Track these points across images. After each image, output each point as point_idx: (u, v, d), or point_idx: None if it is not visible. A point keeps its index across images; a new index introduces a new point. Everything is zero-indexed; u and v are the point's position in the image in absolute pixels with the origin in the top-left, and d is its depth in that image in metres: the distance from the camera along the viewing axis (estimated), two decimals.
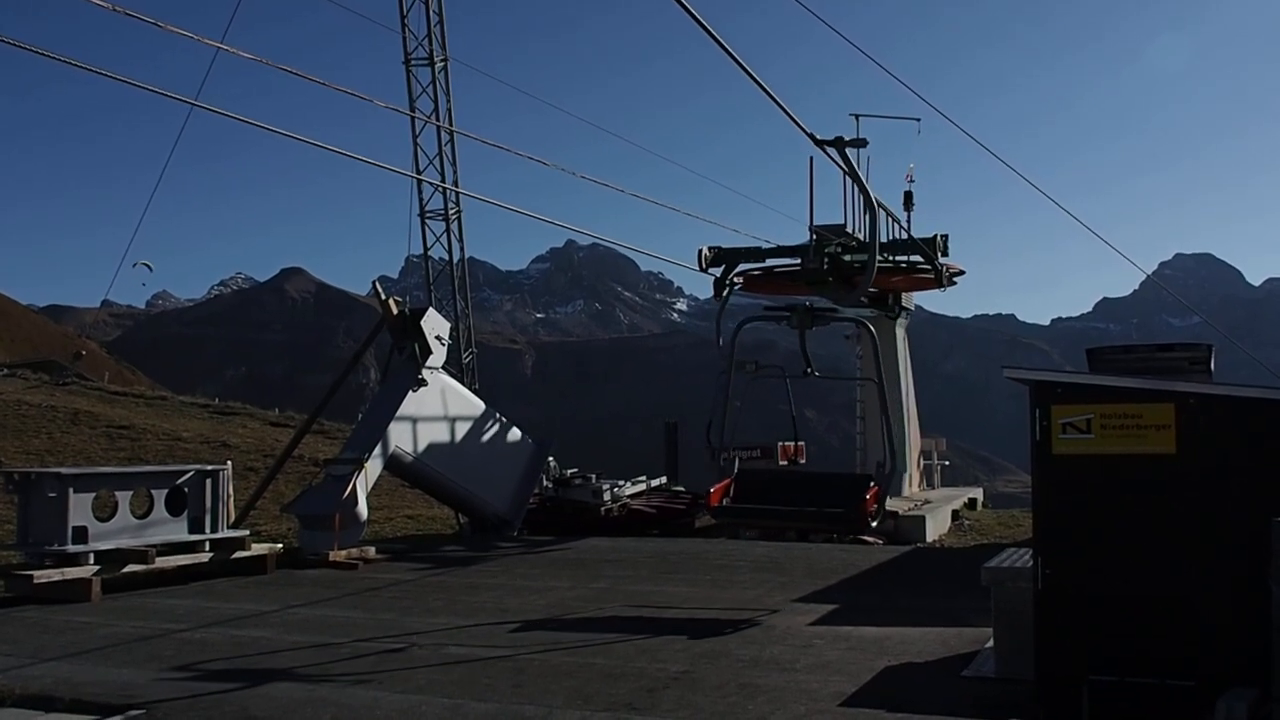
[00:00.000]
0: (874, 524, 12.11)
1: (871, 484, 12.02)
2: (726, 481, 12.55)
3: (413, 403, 18.77)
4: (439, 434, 19.39)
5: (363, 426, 19.30)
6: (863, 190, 13.36)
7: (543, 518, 21.22)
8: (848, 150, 12.90)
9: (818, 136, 12.13)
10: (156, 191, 26.13)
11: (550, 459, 21.82)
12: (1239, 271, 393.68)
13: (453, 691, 8.57)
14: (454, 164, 26.27)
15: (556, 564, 16.67)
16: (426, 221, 26.63)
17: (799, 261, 22.18)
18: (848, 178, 22.16)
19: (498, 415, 20.89)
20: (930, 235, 23.30)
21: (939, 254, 23.35)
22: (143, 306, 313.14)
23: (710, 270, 22.10)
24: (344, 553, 16.40)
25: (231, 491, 16.19)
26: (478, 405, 20.64)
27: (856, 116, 24.80)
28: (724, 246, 22.47)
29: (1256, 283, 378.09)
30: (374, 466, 17.94)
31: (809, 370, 12.95)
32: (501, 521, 20.28)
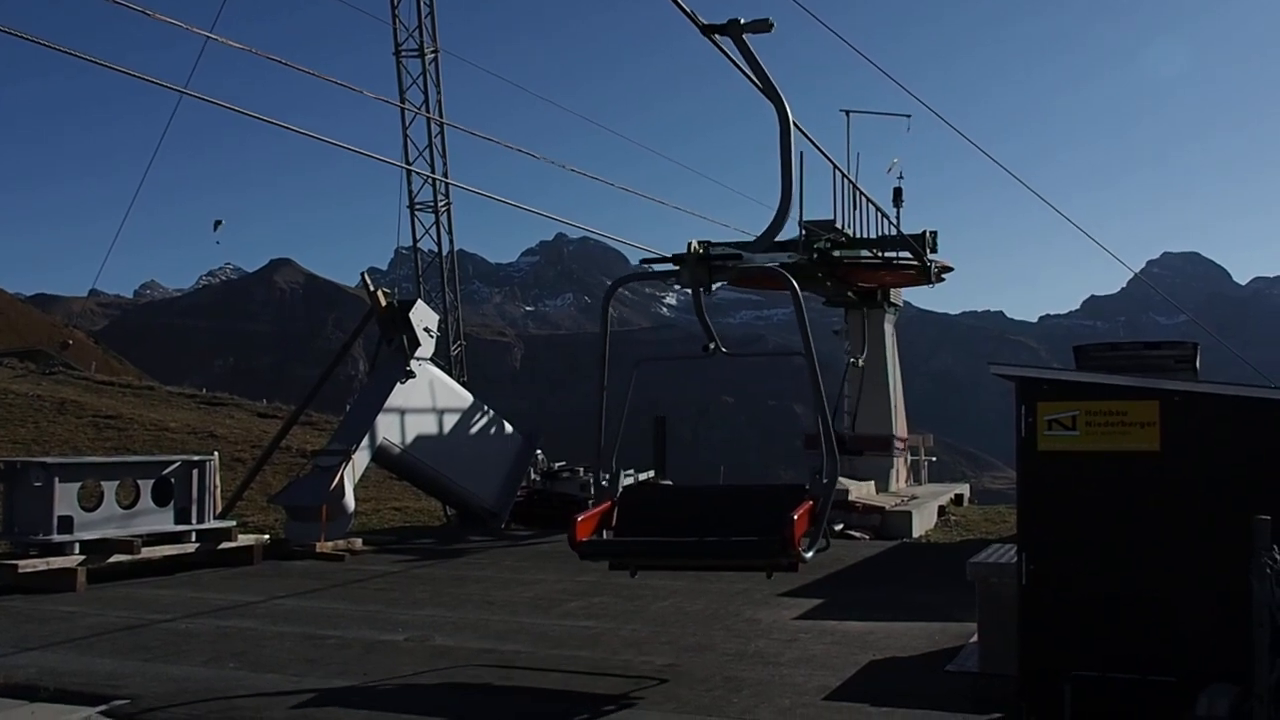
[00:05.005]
0: (808, 555, 8.28)
1: (804, 499, 8.43)
2: (605, 506, 8.93)
3: (400, 395, 18.76)
4: (427, 426, 19.37)
5: (350, 418, 19.28)
6: (770, 93, 9.53)
7: (530, 510, 21.22)
8: (747, 37, 9.44)
9: (702, 20, 9.32)
10: (145, 181, 26.07)
11: (538, 452, 21.82)
12: (1226, 270, 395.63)
13: (439, 683, 8.58)
14: (444, 156, 26.30)
15: (543, 556, 16.68)
16: (416, 213, 26.64)
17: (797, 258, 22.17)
18: (838, 173, 22.20)
19: (486, 408, 20.89)
20: (919, 231, 23.37)
21: (927, 250, 23.41)
22: (130, 296, 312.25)
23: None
24: (331, 544, 16.39)
25: (218, 482, 16.15)
26: (466, 398, 20.64)
27: (847, 112, 24.83)
28: (713, 241, 22.44)
29: (1243, 281, 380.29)
30: (361, 458, 17.93)
31: (712, 346, 9.38)
32: (489, 514, 20.29)
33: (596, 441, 9.11)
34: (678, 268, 9.10)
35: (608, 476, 9.10)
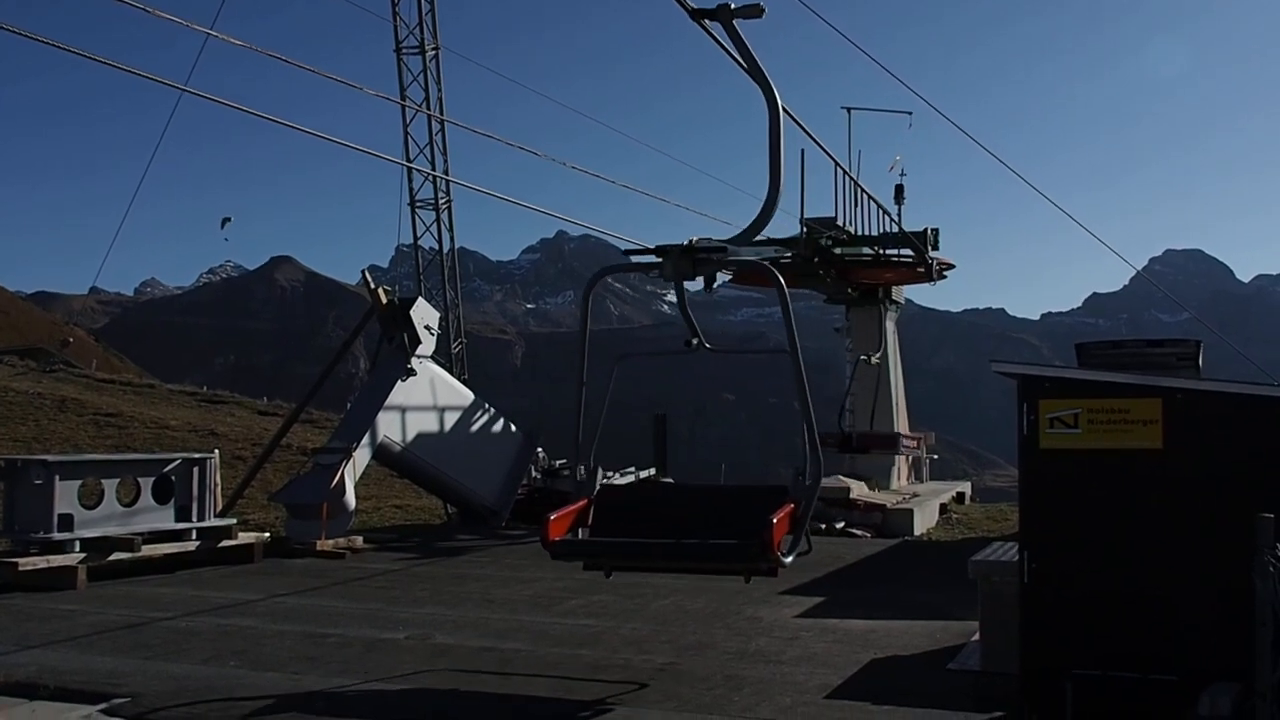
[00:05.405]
0: (788, 559, 7.89)
1: (785, 501, 8.07)
2: (581, 504, 8.64)
3: (401, 392, 18.74)
4: (427, 424, 19.36)
5: (351, 416, 19.28)
6: (759, 78, 9.24)
7: (531, 508, 21.19)
8: (737, 23, 9.08)
9: (691, 4, 9.13)
10: (145, 178, 26.05)
11: (539, 450, 21.81)
12: (1229, 267, 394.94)
13: (439, 682, 8.57)
14: (444, 153, 26.32)
15: (544, 555, 16.56)
16: (417, 211, 26.63)
17: (790, 254, 22.18)
18: (840, 170, 22.20)
19: (486, 405, 20.87)
20: (920, 229, 23.37)
21: (929, 247, 23.41)
22: (131, 294, 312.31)
23: None
24: (331, 542, 16.37)
25: (219, 480, 16.14)
26: (466, 395, 20.62)
27: (848, 110, 24.85)
28: (714, 238, 22.41)
29: (1246, 279, 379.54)
30: (362, 456, 17.92)
31: (695, 341, 9.06)
32: (489, 512, 20.28)
33: (574, 437, 8.84)
34: (660, 259, 8.76)
35: (584, 472, 8.78)
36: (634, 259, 9.27)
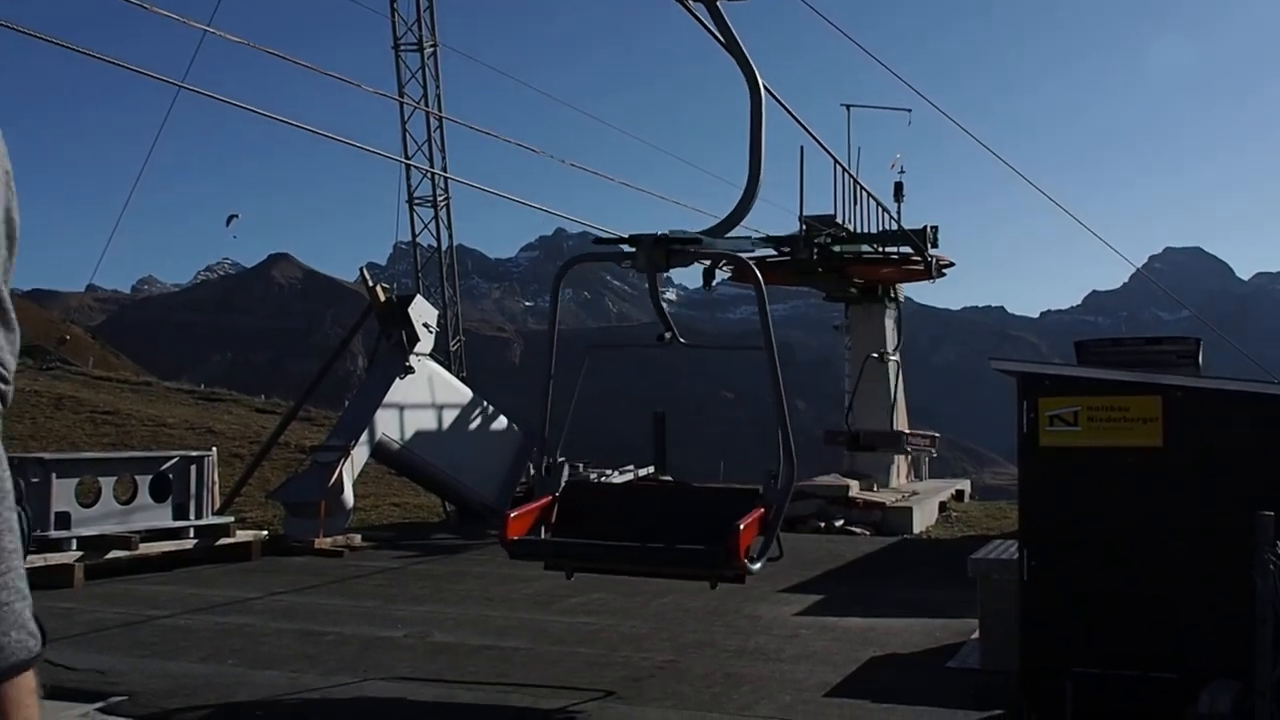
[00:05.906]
0: (755, 566, 7.64)
1: (755, 505, 7.73)
2: (545, 500, 8.35)
3: (400, 390, 18.72)
4: (426, 422, 19.34)
5: (349, 414, 19.25)
6: (741, 61, 8.89)
7: None
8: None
9: None
10: (142, 176, 26.00)
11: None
12: (1228, 266, 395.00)
13: (437, 680, 8.55)
14: (443, 150, 26.23)
15: None
16: (415, 208, 26.57)
17: (789, 252, 22.19)
18: (839, 168, 22.18)
19: (485, 403, 20.85)
20: (920, 226, 23.35)
21: (928, 245, 23.39)
22: (128, 291, 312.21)
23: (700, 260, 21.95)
24: (329, 540, 16.35)
25: (216, 478, 16.11)
26: (465, 393, 20.60)
27: (847, 107, 24.83)
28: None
29: (1246, 277, 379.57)
30: (360, 454, 17.89)
31: (668, 335, 8.74)
32: (488, 510, 20.24)
33: (540, 433, 8.60)
34: (633, 249, 8.43)
35: (547, 466, 8.47)
36: (606, 249, 9.02)
